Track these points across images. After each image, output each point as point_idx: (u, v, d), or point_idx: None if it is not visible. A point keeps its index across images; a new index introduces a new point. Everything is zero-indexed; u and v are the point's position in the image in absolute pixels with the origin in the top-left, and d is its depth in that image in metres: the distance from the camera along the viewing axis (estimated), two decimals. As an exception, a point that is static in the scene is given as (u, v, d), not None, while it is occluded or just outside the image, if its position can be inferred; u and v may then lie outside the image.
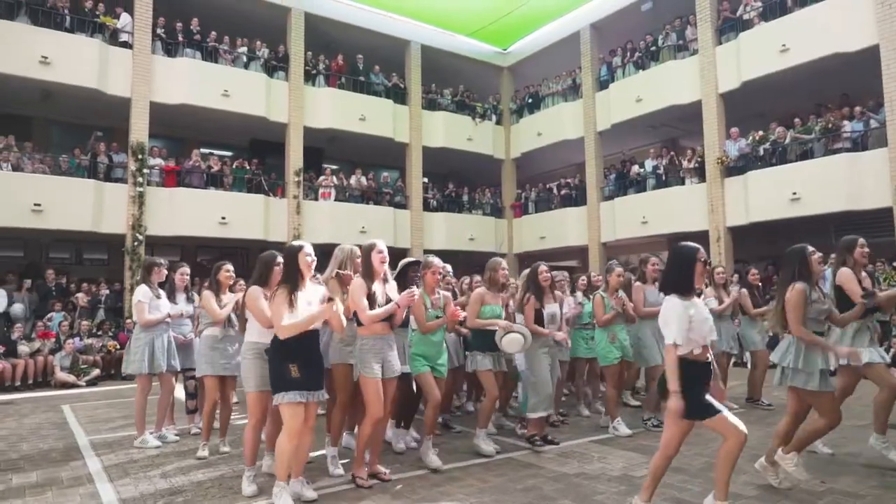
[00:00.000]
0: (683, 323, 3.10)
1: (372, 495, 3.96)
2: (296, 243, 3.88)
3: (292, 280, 3.73)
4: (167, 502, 3.91)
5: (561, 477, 4.32)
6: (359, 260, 4.40)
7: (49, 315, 11.21)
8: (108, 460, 4.96)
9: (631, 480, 4.21)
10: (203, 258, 16.19)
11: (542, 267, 5.20)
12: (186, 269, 5.81)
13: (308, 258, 3.78)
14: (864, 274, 4.54)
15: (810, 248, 4.01)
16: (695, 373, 3.16)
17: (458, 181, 19.80)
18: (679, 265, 3.25)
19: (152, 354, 5.24)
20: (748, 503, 3.76)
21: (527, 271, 5.32)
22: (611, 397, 5.79)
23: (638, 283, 5.88)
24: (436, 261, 4.74)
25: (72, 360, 10.22)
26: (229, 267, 5.16)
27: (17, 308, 10.84)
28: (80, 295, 11.80)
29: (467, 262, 18.05)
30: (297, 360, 3.67)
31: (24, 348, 9.92)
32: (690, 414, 3.17)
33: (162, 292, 5.44)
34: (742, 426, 3.14)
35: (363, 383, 4.09)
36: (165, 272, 5.54)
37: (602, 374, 6.20)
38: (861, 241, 4.56)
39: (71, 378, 9.97)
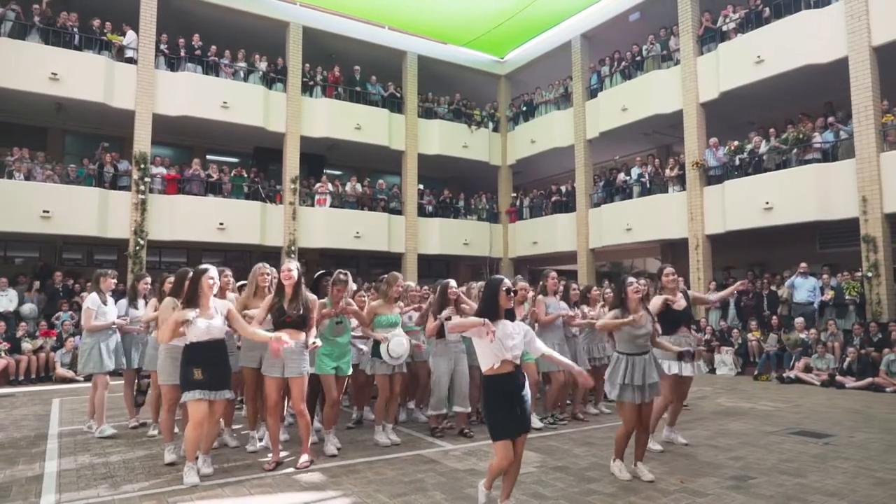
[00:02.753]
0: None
1: (272, 481, 4.49)
2: (201, 267, 4.52)
3: (192, 299, 4.40)
4: (94, 476, 4.59)
5: (450, 472, 4.78)
6: (261, 276, 5.05)
7: (57, 314, 12.09)
8: (65, 445, 5.63)
9: (511, 476, 4.65)
10: (207, 261, 17.08)
11: (452, 284, 5.80)
12: (148, 279, 6.47)
13: (210, 281, 4.42)
14: (679, 294, 5.04)
15: (630, 279, 4.52)
16: (495, 387, 3.56)
17: (459, 186, 20.33)
18: (488, 295, 3.65)
19: (100, 355, 5.90)
20: (602, 499, 4.17)
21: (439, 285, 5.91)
22: None
23: (540, 297, 6.35)
24: (343, 277, 5.30)
25: (72, 357, 11.00)
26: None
27: (25, 308, 11.70)
28: (84, 294, 12.60)
29: (472, 264, 18.61)
30: (200, 364, 4.32)
31: (26, 345, 10.77)
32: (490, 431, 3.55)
33: (110, 299, 6.09)
34: (509, 456, 3.50)
35: (265, 381, 4.84)
36: (113, 281, 6.18)
37: None
38: (667, 269, 5.24)
39: (70, 373, 10.76)
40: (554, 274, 6.51)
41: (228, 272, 5.68)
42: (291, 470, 4.76)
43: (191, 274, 4.51)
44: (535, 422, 6.16)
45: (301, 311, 4.71)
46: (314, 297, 4.97)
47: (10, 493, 4.27)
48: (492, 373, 3.57)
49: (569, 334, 6.73)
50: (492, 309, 3.58)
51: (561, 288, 6.66)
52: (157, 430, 5.81)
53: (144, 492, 4.27)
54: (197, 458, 4.49)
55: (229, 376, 4.62)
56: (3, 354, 10.48)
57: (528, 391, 3.65)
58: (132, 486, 4.38)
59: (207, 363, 4.36)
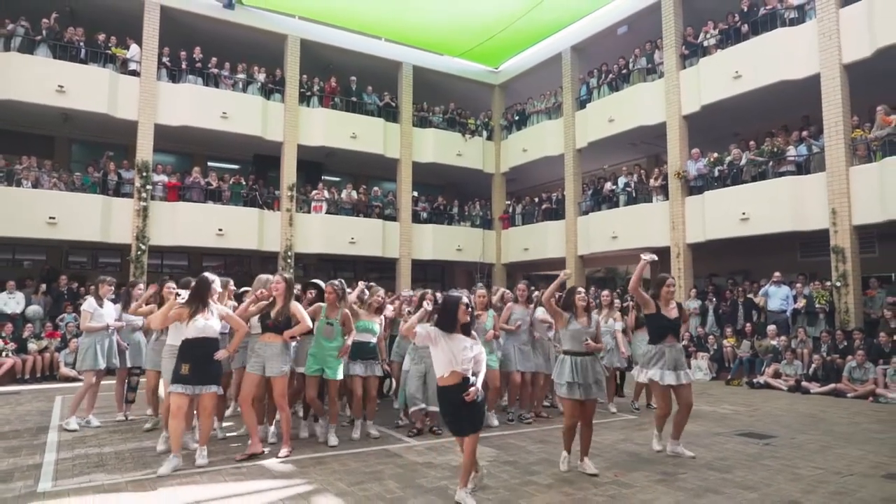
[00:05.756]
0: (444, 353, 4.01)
1: (246, 470, 4.98)
2: (209, 276, 5.15)
3: (197, 302, 5.00)
4: (88, 465, 5.10)
5: (409, 465, 5.26)
6: (270, 286, 5.54)
7: (61, 316, 12.67)
8: (64, 438, 6.15)
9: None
10: (208, 264, 17.67)
11: (404, 293, 6.43)
12: (141, 285, 7.00)
13: (216, 288, 5.19)
14: (672, 304, 5.41)
15: (579, 289, 5.08)
16: (444, 397, 4.07)
17: (454, 193, 20.83)
18: (446, 309, 4.11)
19: (95, 355, 6.44)
20: (538, 489, 4.63)
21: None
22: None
23: (510, 303, 6.82)
24: (333, 284, 5.89)
25: (75, 357, 11.54)
26: (171, 285, 6.29)
27: (31, 310, 12.28)
28: (87, 297, 13.19)
29: (468, 269, 19.06)
30: (189, 360, 4.88)
31: (32, 346, 11.35)
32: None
33: (108, 303, 6.63)
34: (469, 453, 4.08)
35: (244, 376, 5.47)
36: (111, 288, 6.73)
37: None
38: (669, 279, 5.48)
39: (73, 373, 11.28)
40: (522, 285, 7.02)
41: (172, 284, 6.21)
42: (267, 461, 5.26)
43: (197, 282, 5.10)
44: (493, 420, 6.72)
45: (283, 319, 5.32)
46: (298, 305, 5.49)
47: (13, 478, 4.78)
48: (442, 383, 4.04)
49: (545, 336, 7.15)
50: (451, 323, 4.03)
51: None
52: (152, 423, 6.34)
53: (131, 479, 4.77)
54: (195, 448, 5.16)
55: (217, 374, 5.12)
56: (10, 354, 11.05)
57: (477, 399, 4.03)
58: (121, 474, 4.89)
59: (196, 360, 4.89)
